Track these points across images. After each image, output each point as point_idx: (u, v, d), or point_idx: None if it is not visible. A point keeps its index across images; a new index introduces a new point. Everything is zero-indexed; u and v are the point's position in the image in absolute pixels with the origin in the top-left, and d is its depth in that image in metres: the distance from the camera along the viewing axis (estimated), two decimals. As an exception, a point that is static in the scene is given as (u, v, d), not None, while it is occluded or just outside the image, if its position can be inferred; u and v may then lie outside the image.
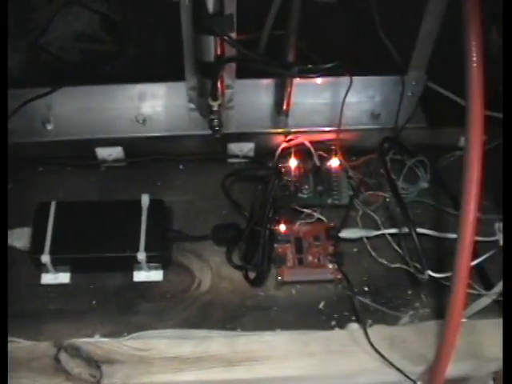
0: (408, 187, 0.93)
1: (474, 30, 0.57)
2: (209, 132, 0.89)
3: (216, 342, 0.79)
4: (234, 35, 0.79)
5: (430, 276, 0.80)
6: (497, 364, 0.82)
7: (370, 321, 0.83)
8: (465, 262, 0.65)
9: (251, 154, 0.94)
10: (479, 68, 0.59)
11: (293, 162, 0.92)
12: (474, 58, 0.58)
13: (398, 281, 0.87)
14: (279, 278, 0.84)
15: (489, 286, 0.86)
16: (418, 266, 0.82)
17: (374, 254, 0.87)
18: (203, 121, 0.91)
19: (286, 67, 0.80)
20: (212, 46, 0.79)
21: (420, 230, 0.86)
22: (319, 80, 0.93)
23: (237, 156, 0.94)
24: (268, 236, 0.83)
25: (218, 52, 0.80)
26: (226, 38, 0.76)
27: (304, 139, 0.92)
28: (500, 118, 0.91)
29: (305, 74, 0.78)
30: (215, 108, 0.85)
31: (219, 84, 0.84)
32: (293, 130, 0.92)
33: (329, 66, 0.79)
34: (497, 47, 1.01)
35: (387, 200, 0.92)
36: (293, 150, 0.92)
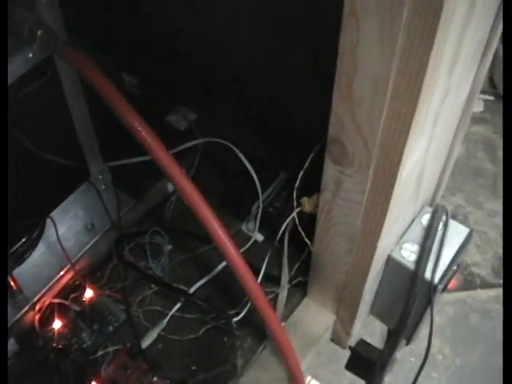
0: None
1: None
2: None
3: None
4: None
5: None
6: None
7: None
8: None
9: (16, 347, 0.87)
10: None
11: (56, 324, 0.88)
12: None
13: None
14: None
15: (277, 281, 0.94)
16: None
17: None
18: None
19: None
20: None
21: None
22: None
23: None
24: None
25: None
26: None
27: (49, 299, 0.89)
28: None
29: None
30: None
31: None
32: (35, 299, 0.89)
33: None
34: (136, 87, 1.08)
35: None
36: (47, 315, 0.89)
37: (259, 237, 0.99)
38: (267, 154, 0.99)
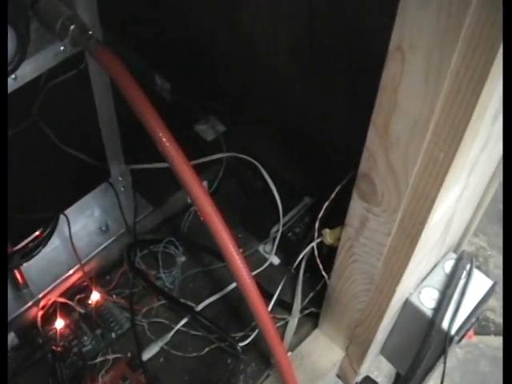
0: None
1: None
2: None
3: None
4: None
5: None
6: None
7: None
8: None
9: (16, 341, 0.86)
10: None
11: (59, 324, 0.86)
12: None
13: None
14: None
15: (288, 308, 0.91)
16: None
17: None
18: None
19: None
20: None
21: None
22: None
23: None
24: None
25: None
26: None
27: (54, 297, 0.87)
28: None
29: None
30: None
31: None
32: (40, 295, 0.87)
33: None
34: (167, 92, 1.06)
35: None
36: (50, 313, 0.87)
37: (275, 260, 0.96)
38: (293, 177, 0.97)
